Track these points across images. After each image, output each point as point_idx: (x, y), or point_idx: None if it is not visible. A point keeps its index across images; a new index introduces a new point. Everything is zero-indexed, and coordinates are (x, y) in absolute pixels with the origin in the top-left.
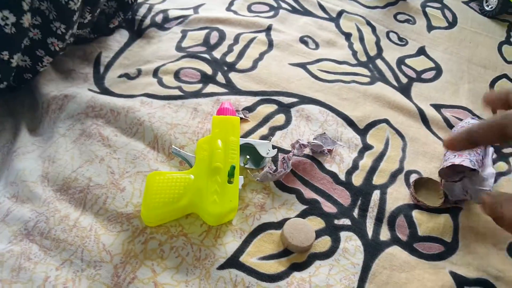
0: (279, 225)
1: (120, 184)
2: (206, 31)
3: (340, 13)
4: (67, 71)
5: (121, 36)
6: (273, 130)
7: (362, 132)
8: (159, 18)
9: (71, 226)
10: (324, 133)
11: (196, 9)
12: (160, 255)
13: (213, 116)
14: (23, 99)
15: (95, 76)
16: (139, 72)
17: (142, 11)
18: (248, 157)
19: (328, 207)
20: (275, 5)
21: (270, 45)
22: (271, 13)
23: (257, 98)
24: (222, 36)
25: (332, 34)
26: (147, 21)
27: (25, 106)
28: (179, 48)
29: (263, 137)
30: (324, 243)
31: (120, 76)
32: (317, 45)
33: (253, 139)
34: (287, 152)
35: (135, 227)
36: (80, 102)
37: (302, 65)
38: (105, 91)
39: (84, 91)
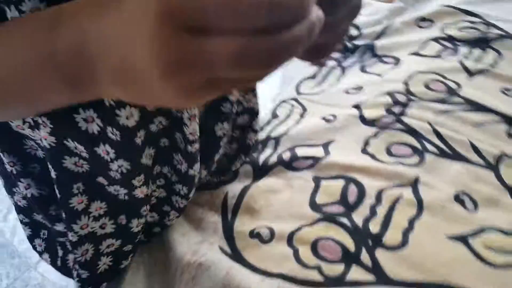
0: None
1: None
2: (342, 183)
3: (499, 158)
4: (197, 220)
5: (245, 174)
6: None
7: None
8: (286, 156)
9: None
10: None
11: (325, 147)
12: None
13: None
14: (156, 255)
15: (224, 226)
16: (272, 234)
17: (267, 148)
18: None
19: None
20: (419, 147)
21: (420, 206)
22: (416, 159)
23: None
24: (361, 192)
25: (493, 189)
26: (274, 158)
27: (158, 265)
28: (313, 205)
29: None
30: None
31: (252, 236)
32: (475, 205)
33: None
34: None
35: None
36: (215, 276)
37: (463, 239)
38: (238, 256)
39: (218, 256)
